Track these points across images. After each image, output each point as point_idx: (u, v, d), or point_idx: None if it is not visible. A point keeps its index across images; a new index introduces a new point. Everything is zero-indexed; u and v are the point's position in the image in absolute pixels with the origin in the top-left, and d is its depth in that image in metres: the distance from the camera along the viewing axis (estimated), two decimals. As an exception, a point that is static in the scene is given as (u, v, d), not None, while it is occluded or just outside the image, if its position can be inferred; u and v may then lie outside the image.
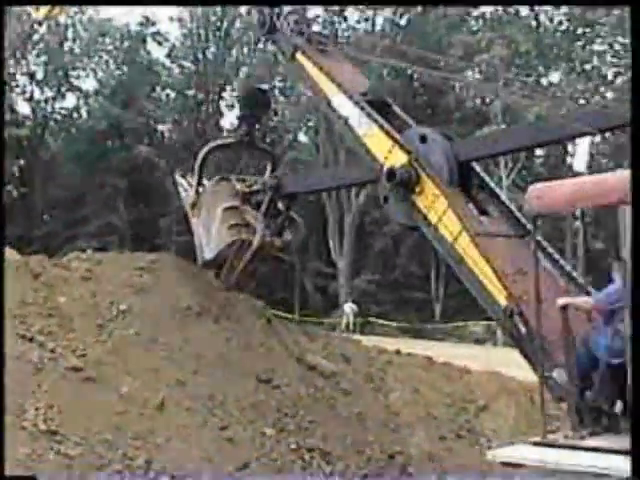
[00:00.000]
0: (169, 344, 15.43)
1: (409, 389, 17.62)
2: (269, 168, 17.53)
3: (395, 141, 12.63)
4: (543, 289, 10.25)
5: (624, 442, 8.79)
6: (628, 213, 8.73)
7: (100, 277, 16.56)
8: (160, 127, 66.45)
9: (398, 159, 12.45)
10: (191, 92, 62.51)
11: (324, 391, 16.43)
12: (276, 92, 65.27)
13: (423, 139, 12.42)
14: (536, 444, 10.19)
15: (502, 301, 10.96)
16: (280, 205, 15.91)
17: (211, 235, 14.78)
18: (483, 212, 12.12)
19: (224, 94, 64.69)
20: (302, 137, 64.00)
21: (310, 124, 60.40)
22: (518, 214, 11.82)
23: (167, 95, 65.07)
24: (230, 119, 67.71)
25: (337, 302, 54.95)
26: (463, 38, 51.24)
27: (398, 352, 19.92)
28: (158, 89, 64.80)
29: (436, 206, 11.97)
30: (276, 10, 14.79)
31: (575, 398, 9.99)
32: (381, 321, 50.02)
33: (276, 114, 65.52)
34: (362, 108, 13.22)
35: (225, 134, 66.81)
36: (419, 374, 18.46)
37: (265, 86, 44.40)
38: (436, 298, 55.66)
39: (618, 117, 10.52)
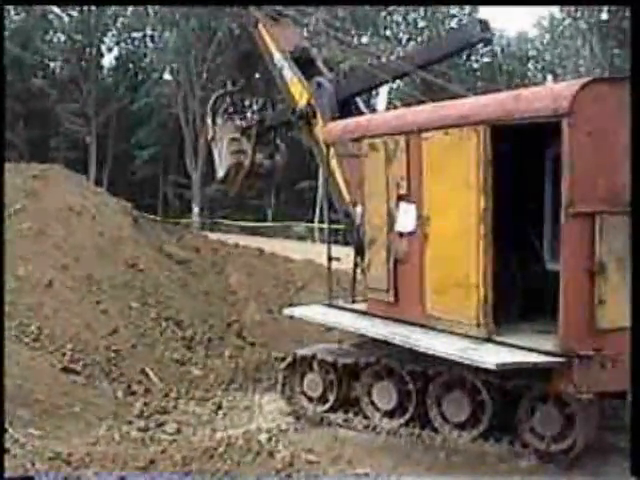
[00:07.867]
0: (55, 236, 15.09)
1: (244, 273, 17.66)
2: (269, 108, 17.56)
3: (303, 87, 12.95)
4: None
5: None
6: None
7: (-1, 182, 15.94)
8: (52, 64, 64.04)
9: (304, 100, 12.84)
10: (78, 37, 59.84)
11: (178, 274, 16.45)
12: (147, 39, 63.20)
13: (319, 85, 12.74)
14: (325, 305, 10.92)
15: (347, 203, 11.52)
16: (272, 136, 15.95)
17: (222, 159, 14.83)
18: None
19: (105, 39, 62.47)
20: (167, 76, 62.09)
21: (173, 65, 58.49)
22: None
23: (58, 38, 62.22)
24: (109, 59, 65.49)
25: (191, 206, 54.33)
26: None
27: (237, 245, 19.95)
28: (51, 33, 61.84)
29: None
30: None
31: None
32: (225, 221, 49.79)
33: (146, 56, 63.41)
34: (288, 62, 13.42)
35: (105, 72, 64.55)
36: (252, 262, 18.52)
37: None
38: (269, 204, 55.72)
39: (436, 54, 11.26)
